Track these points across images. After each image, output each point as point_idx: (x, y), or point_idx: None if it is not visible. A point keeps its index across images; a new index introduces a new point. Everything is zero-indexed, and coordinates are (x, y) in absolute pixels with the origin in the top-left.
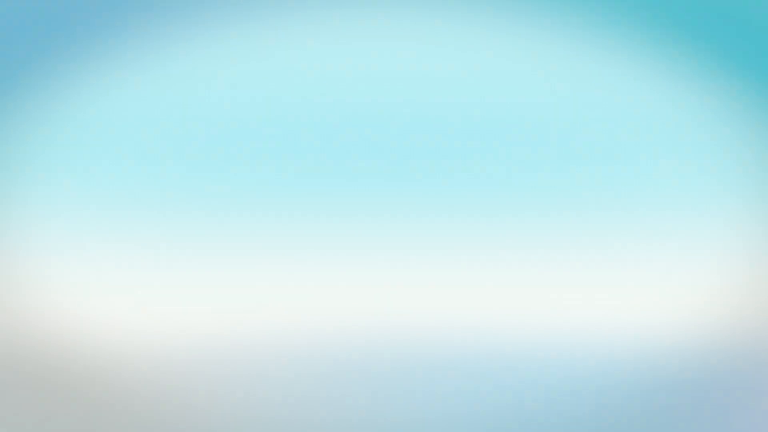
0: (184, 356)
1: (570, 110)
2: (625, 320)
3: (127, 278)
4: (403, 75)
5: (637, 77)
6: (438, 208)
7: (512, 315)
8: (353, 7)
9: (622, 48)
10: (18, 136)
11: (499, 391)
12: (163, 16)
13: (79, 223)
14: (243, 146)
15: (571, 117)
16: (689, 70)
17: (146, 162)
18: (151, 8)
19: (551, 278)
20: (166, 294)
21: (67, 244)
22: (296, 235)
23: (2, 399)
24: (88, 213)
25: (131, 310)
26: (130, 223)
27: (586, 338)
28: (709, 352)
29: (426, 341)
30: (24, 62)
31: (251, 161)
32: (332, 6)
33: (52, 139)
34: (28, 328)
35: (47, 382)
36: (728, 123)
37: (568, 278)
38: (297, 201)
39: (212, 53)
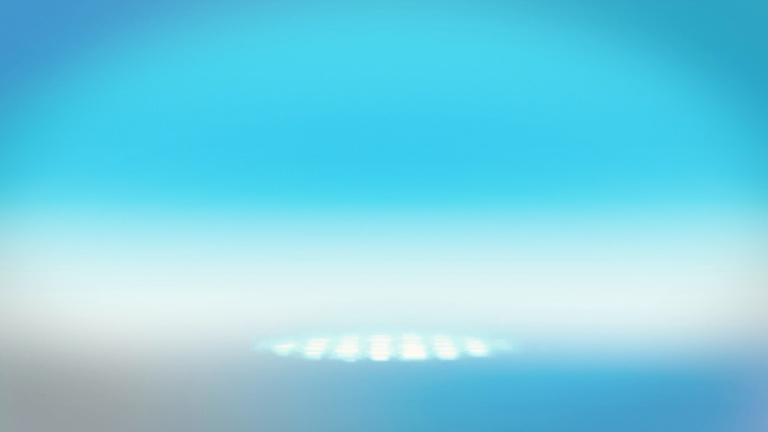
0: (183, 357)
1: (570, 109)
2: (625, 320)
3: (125, 278)
4: (402, 74)
5: (639, 76)
6: (439, 207)
7: (513, 313)
8: (352, 6)
9: (624, 47)
10: (18, 136)
11: (498, 390)
12: (161, 15)
13: (77, 223)
14: (241, 145)
15: (572, 116)
16: (691, 68)
17: (144, 162)
18: (149, 8)
19: (549, 277)
20: (165, 294)
21: (64, 245)
22: (295, 234)
23: (2, 399)
24: (86, 213)
25: (130, 310)
26: (129, 223)
27: (585, 337)
28: (708, 351)
29: (424, 340)
30: (23, 62)
31: (250, 161)
32: (332, 5)
33: (51, 138)
34: (26, 328)
35: (45, 383)
36: (729, 123)
37: (567, 277)
38: (295, 202)
39: (209, 53)
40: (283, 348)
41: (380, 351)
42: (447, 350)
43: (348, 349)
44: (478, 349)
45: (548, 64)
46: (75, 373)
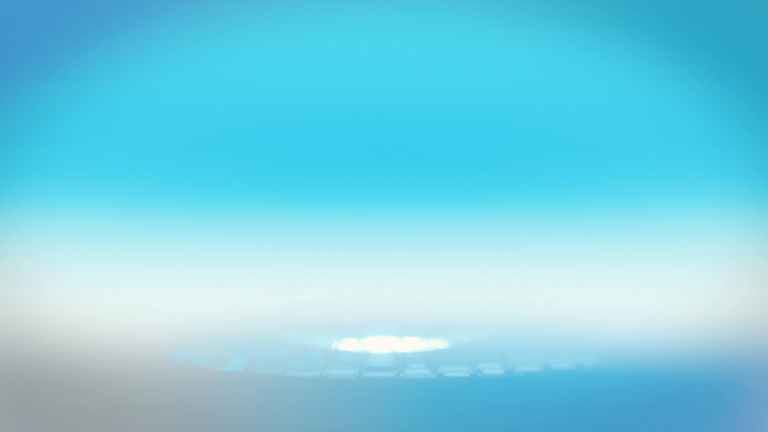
0: (183, 356)
1: (571, 109)
2: (625, 320)
3: (124, 278)
4: (402, 74)
5: (639, 76)
6: (438, 207)
7: (514, 312)
8: (353, 6)
9: (624, 47)
10: (18, 136)
11: (498, 390)
12: (161, 15)
13: (77, 223)
14: (241, 145)
15: (572, 116)
16: (691, 68)
17: (144, 162)
18: (149, 8)
19: (550, 277)
20: (165, 294)
21: (64, 245)
22: (294, 234)
23: (1, 399)
24: (86, 213)
25: (129, 310)
26: (129, 223)
27: (585, 337)
28: (708, 351)
29: (424, 339)
30: (23, 62)
31: (250, 161)
32: (332, 5)
33: (51, 138)
34: (26, 328)
35: (45, 382)
36: (729, 123)
37: (567, 277)
38: (295, 202)
39: (209, 53)
40: (282, 347)
41: (379, 351)
42: (442, 351)
43: (347, 350)
44: (475, 348)
45: (548, 64)
46: (74, 372)
